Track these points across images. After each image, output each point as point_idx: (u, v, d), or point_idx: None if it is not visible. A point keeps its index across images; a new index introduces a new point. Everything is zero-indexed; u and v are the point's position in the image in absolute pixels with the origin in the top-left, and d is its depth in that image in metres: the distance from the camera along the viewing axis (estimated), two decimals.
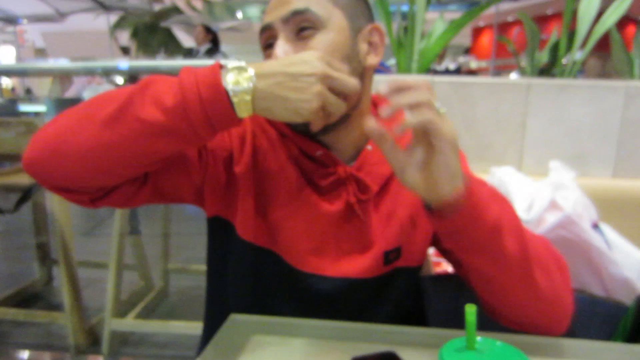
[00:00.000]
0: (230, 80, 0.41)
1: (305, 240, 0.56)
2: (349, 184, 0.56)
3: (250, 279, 0.59)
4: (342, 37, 0.53)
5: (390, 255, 0.58)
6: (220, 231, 0.60)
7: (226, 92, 0.41)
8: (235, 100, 0.41)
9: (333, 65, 0.45)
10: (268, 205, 0.57)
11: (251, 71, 0.42)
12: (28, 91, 8.26)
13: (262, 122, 0.59)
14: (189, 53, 4.18)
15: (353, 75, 0.54)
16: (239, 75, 0.41)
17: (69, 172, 0.45)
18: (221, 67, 0.43)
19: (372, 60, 0.57)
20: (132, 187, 0.51)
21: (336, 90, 0.45)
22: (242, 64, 0.42)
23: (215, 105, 0.41)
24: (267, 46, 0.54)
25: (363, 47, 0.56)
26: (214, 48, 3.69)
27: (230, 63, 0.42)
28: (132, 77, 4.73)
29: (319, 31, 0.52)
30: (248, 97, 0.41)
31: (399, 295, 0.62)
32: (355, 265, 0.57)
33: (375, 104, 0.63)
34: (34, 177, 0.46)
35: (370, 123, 0.41)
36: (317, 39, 0.52)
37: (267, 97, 0.42)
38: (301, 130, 0.55)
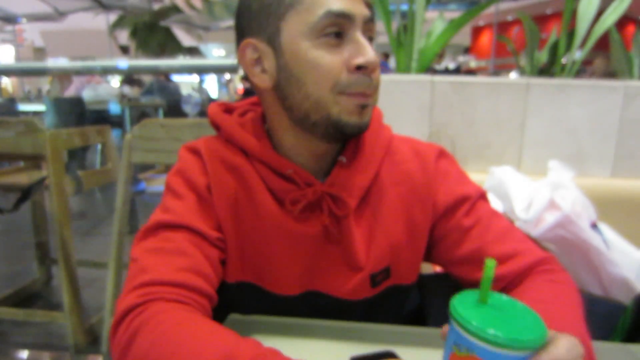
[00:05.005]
0: None
1: (290, 268, 0.54)
2: (323, 203, 0.52)
3: (235, 309, 0.57)
4: None
5: (378, 277, 0.55)
6: None
7: None
8: None
9: None
10: (245, 241, 0.54)
11: None
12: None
13: (217, 154, 0.54)
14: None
15: None
16: None
17: None
18: None
19: None
20: None
21: None
22: None
23: None
24: (337, 34, 0.48)
25: None
26: None
27: None
28: (130, 77, 4.73)
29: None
30: None
31: (394, 310, 0.61)
32: (343, 287, 0.54)
33: None
34: None
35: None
36: None
37: None
38: None
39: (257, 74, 0.51)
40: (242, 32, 0.52)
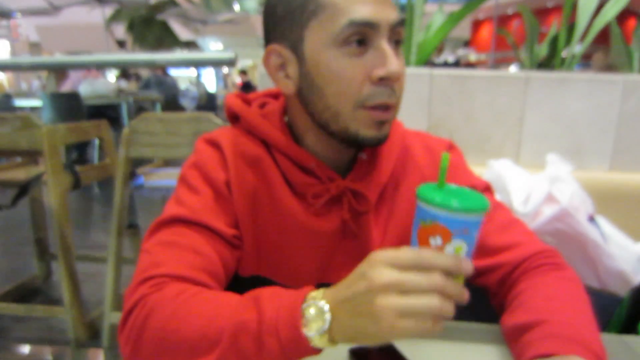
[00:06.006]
0: (311, 327, 0.37)
1: (306, 262, 0.55)
2: (344, 199, 0.53)
3: None
4: None
5: None
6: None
7: (307, 339, 0.37)
8: (316, 342, 0.37)
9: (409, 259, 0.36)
10: (263, 235, 0.54)
11: (326, 308, 0.37)
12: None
13: (238, 147, 0.53)
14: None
15: None
16: (319, 318, 0.37)
17: None
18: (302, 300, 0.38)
19: None
20: None
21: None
22: (321, 305, 0.37)
23: (297, 352, 0.38)
24: (359, 42, 0.47)
25: None
26: None
27: (311, 307, 0.37)
28: (127, 71, 4.70)
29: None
30: (325, 337, 0.37)
31: None
32: None
33: None
34: None
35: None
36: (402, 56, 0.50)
37: (344, 331, 0.37)
38: None
39: (280, 79, 0.51)
40: (268, 36, 0.52)
